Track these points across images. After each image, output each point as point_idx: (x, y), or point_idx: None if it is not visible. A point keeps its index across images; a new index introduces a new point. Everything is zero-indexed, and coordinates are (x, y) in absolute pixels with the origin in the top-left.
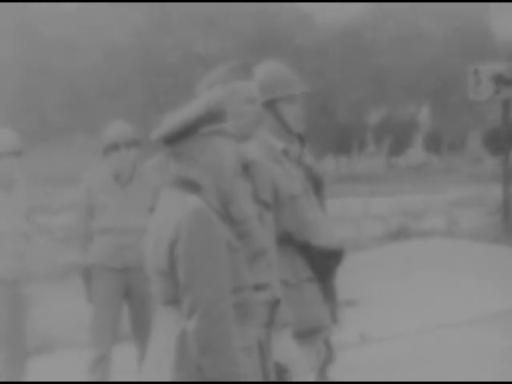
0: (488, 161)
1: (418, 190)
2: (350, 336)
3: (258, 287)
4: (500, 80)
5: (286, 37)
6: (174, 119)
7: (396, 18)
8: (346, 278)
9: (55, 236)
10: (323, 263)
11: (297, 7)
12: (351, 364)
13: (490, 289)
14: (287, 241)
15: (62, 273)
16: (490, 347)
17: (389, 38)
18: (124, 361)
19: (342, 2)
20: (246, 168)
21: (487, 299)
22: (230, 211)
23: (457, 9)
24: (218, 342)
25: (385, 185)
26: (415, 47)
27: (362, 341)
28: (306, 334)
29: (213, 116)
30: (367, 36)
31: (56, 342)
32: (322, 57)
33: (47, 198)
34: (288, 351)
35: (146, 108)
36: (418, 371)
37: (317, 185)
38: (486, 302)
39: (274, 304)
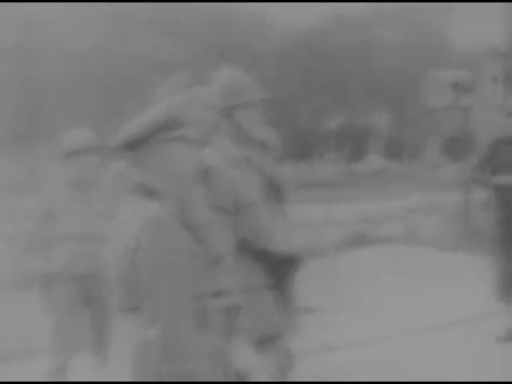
0: (447, 168)
1: (377, 197)
2: (313, 343)
3: (216, 294)
4: (458, 88)
5: (246, 43)
6: (134, 125)
7: (356, 25)
8: (308, 285)
9: (18, 244)
10: (281, 269)
11: (257, 13)
12: (314, 371)
13: (453, 294)
14: (246, 247)
15: (25, 281)
16: (458, 352)
17: (349, 44)
18: (83, 369)
19: (302, 10)
20: (205, 174)
21: (451, 305)
22: (189, 217)
23: (416, 16)
24: (179, 350)
25: (345, 191)
26: (374, 54)
27: (325, 348)
28: (265, 341)
29: (173, 122)
30: (328, 43)
31: (16, 350)
32: (282, 63)
33: (10, 205)
34: (247, 358)
35: (107, 114)
36: (387, 377)
37: (277, 191)
38: (449, 308)
39: (233, 311)
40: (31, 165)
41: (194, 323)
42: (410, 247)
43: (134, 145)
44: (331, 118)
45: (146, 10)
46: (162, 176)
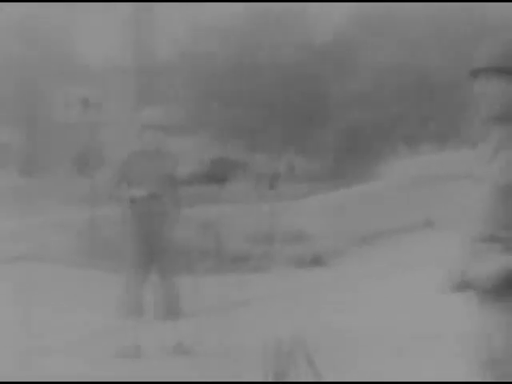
0: (77, 182)
1: (12, 213)
2: None
3: None
4: (86, 103)
5: None
6: None
7: (46, 37)
8: None
9: None
10: None
11: None
12: None
13: (81, 312)
14: None
15: None
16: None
17: (36, 57)
18: None
19: None
20: None
21: (76, 322)
22: None
23: (43, 29)
24: None
25: None
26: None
27: None
28: None
29: None
30: (22, 54)
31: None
32: None
33: None
34: None
35: None
36: None
37: None
38: (76, 325)
39: None
40: None
41: None
42: (42, 264)
43: None
44: None
45: None
46: None
